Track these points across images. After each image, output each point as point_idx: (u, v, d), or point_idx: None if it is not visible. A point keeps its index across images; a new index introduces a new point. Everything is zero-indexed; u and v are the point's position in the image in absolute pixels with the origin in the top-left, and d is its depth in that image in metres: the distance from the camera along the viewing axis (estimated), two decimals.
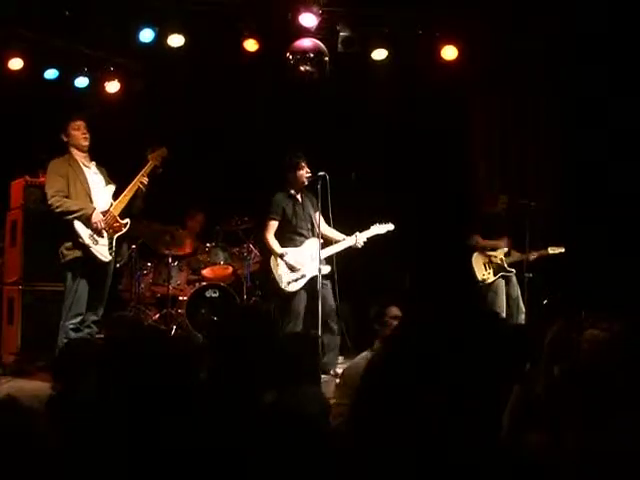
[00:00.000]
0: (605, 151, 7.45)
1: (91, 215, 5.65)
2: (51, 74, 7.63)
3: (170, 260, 8.02)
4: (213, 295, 7.80)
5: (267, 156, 7.96)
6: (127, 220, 5.86)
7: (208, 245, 8.30)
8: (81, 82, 7.83)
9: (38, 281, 6.51)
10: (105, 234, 5.70)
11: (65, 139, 5.88)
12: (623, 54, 7.27)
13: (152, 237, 8.24)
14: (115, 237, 5.81)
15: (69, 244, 5.61)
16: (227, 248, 8.34)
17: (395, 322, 4.48)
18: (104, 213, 5.74)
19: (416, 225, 8.13)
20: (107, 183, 5.95)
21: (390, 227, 6.66)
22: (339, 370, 5.91)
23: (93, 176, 5.87)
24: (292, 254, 6.47)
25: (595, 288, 6.57)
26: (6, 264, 6.87)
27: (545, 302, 7.32)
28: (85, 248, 5.59)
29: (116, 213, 5.78)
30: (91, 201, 5.75)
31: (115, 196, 5.91)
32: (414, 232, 7.96)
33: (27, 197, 6.62)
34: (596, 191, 7.48)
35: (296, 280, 6.43)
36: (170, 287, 7.93)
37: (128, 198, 5.85)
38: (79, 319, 5.55)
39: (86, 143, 5.88)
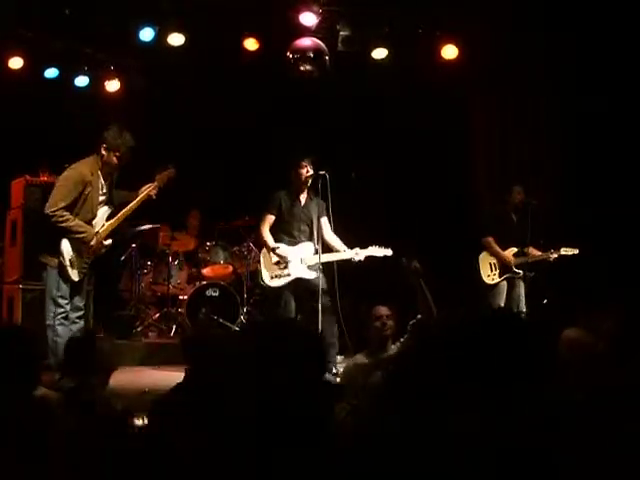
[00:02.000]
0: (605, 150, 7.44)
1: (90, 240, 5.48)
2: (51, 74, 7.64)
3: (170, 259, 8.03)
4: (213, 294, 7.80)
5: (267, 156, 7.98)
6: (109, 241, 5.64)
7: (208, 244, 8.31)
8: (81, 81, 7.85)
9: (38, 280, 6.46)
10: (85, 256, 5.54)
11: (103, 145, 5.48)
12: (623, 54, 7.27)
13: (154, 238, 8.26)
14: (92, 259, 5.59)
15: (52, 253, 5.45)
16: (227, 247, 8.36)
17: (379, 322, 4.39)
18: (95, 235, 5.54)
19: (416, 225, 8.12)
20: (107, 202, 5.69)
21: (388, 252, 6.40)
22: (339, 369, 5.91)
23: (102, 196, 5.63)
24: (284, 250, 6.38)
25: (595, 288, 6.55)
26: (6, 263, 6.88)
27: (545, 302, 7.30)
28: (61, 266, 5.43)
29: (103, 235, 5.58)
30: (94, 217, 5.56)
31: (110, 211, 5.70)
32: (414, 232, 7.96)
33: (27, 197, 6.61)
34: (596, 190, 7.47)
35: (279, 277, 6.36)
36: (170, 286, 7.95)
37: (119, 222, 5.69)
38: (64, 315, 5.48)
39: (114, 166, 5.58)
